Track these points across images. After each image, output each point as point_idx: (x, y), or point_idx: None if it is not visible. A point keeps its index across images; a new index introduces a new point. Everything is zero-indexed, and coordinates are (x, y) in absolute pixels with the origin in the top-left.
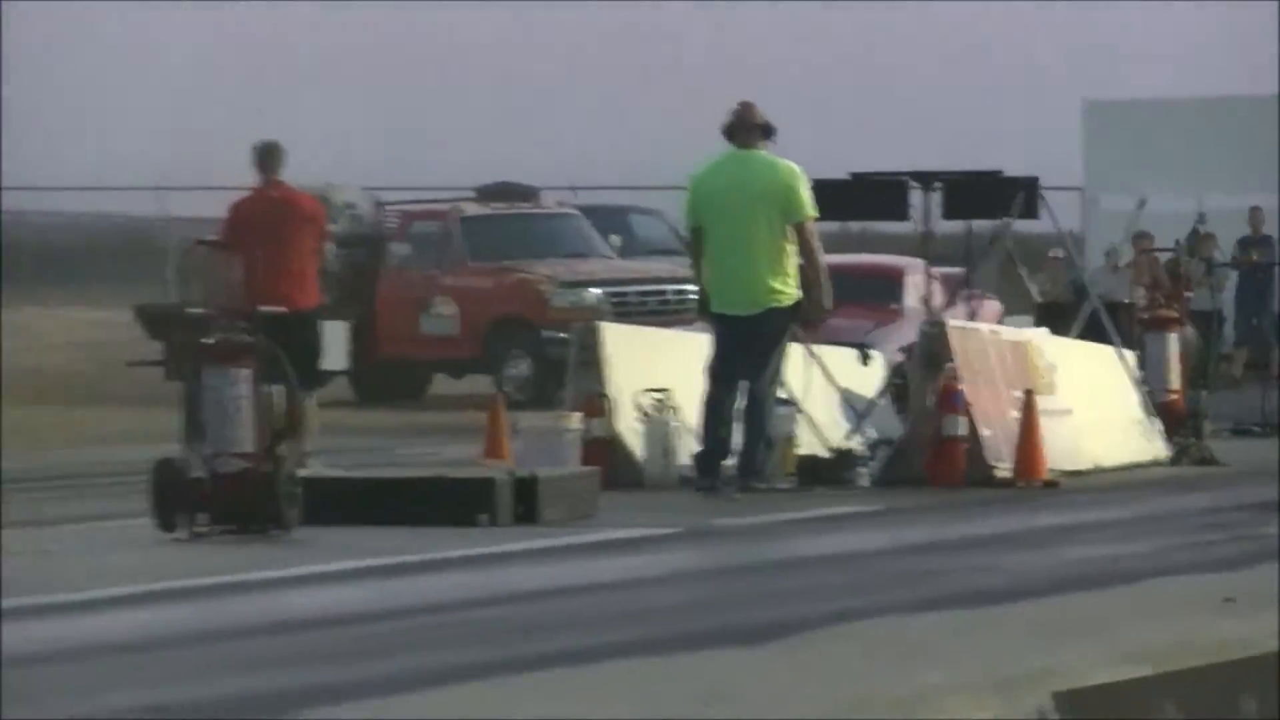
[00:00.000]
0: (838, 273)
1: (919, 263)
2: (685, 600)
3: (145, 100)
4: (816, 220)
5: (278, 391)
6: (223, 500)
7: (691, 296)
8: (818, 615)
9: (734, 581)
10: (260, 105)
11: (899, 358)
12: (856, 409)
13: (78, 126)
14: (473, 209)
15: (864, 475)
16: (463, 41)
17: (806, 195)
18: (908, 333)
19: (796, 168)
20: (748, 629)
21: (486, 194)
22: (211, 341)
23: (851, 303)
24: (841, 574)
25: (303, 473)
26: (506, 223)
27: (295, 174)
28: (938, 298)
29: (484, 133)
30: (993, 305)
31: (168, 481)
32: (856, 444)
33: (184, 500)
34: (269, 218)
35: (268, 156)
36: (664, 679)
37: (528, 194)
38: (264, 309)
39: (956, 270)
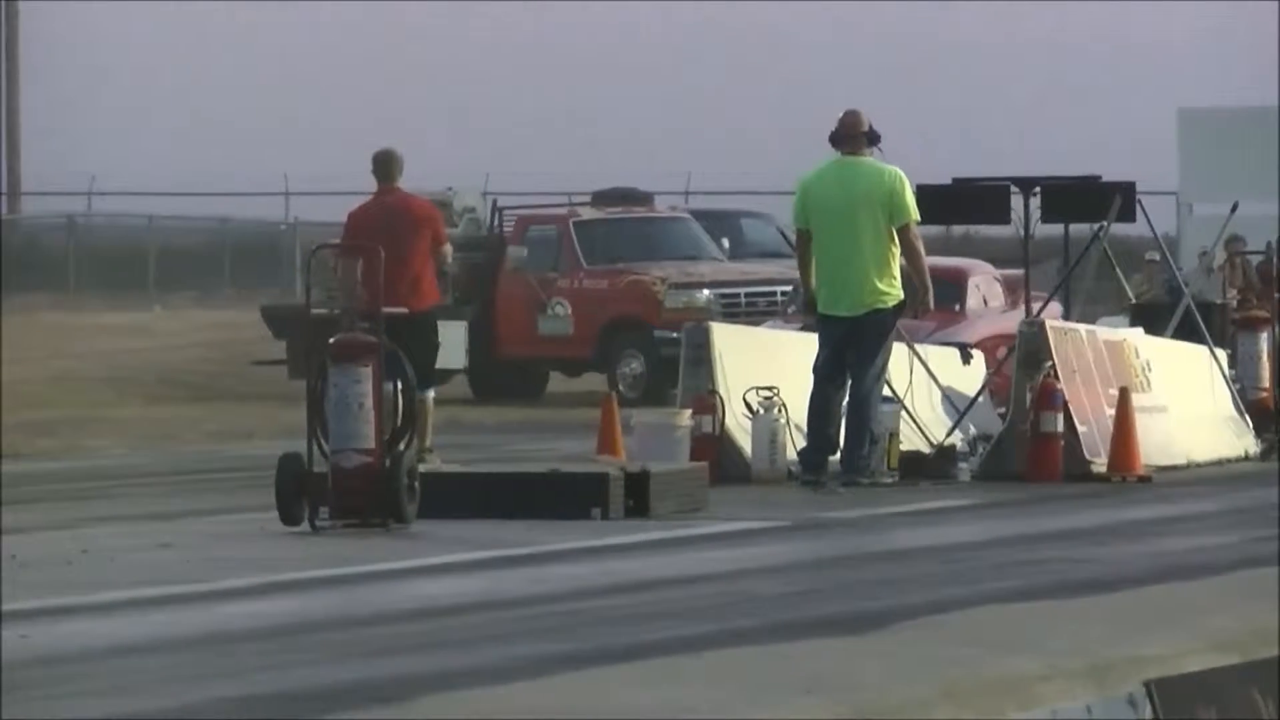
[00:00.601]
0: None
1: (980, 264)
2: (790, 591)
3: (271, 106)
4: (919, 224)
5: (397, 389)
6: (344, 494)
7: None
8: (918, 605)
9: (838, 572)
10: (383, 112)
11: None
12: (957, 406)
13: (206, 132)
14: (588, 213)
15: (964, 470)
16: (581, 49)
17: (910, 199)
18: (969, 334)
19: (900, 173)
20: (850, 618)
21: (602, 199)
22: (335, 341)
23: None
24: (941, 565)
25: (422, 468)
26: (620, 226)
27: (417, 180)
28: (997, 299)
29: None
30: (1051, 307)
31: (291, 476)
32: (957, 440)
33: (306, 494)
34: (385, 223)
35: (384, 164)
36: (769, 667)
37: (641, 199)
38: (387, 309)
39: (1016, 272)
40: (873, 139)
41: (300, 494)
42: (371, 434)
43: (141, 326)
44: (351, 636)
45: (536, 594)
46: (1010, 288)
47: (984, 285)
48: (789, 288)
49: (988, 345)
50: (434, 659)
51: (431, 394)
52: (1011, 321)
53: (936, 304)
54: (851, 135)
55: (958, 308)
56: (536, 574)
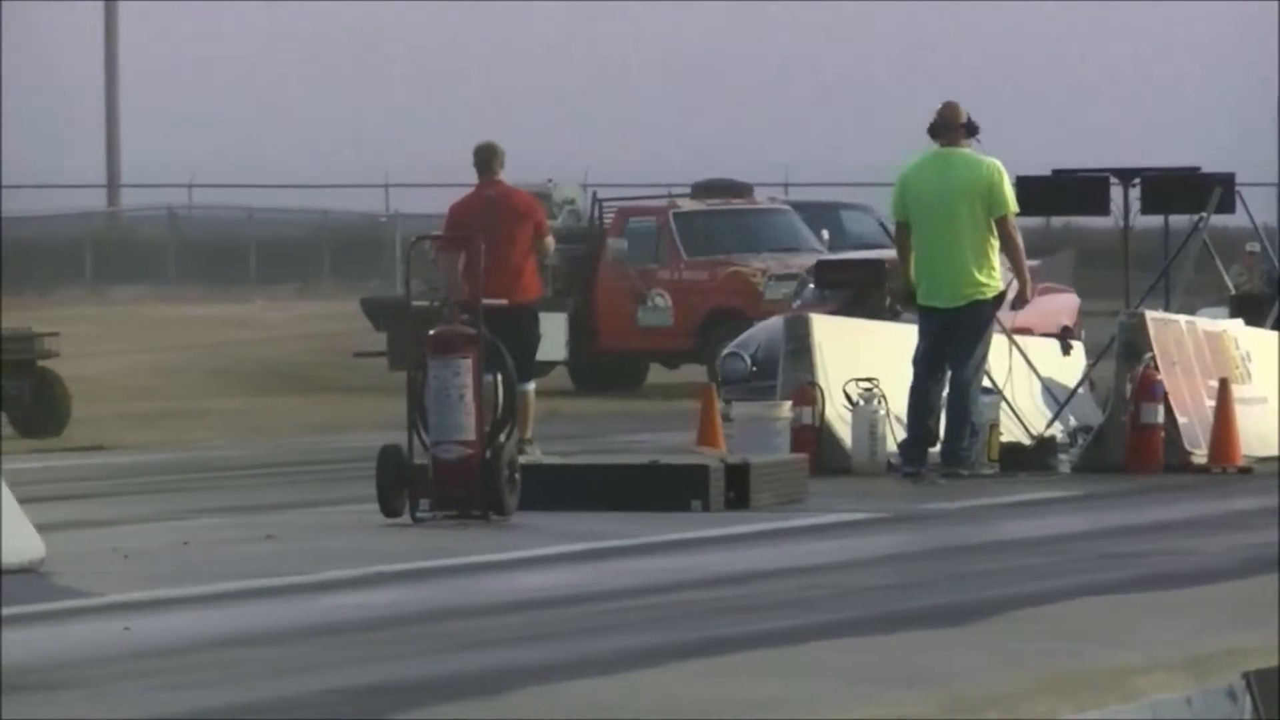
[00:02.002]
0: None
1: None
2: (890, 583)
3: (372, 98)
4: (1018, 215)
5: (497, 381)
6: (444, 486)
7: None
8: (1018, 596)
9: (937, 564)
10: (483, 104)
11: None
12: (1057, 397)
13: (307, 124)
14: (687, 205)
15: (1064, 462)
16: (680, 40)
17: (1008, 191)
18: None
19: (999, 164)
20: (950, 610)
21: (701, 190)
22: (435, 333)
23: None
24: (1041, 557)
25: (522, 459)
26: (720, 218)
27: (517, 173)
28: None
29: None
30: (1068, 299)
31: (391, 468)
32: (1057, 431)
33: (407, 486)
34: (486, 215)
35: (485, 157)
36: (869, 660)
37: (741, 190)
38: (487, 301)
39: (1032, 263)
40: (971, 130)
41: (401, 486)
42: (472, 426)
43: (243, 319)
44: (451, 628)
45: (636, 586)
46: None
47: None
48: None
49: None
50: (534, 651)
51: (532, 386)
52: (1024, 314)
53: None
54: (950, 127)
55: None
56: (636, 566)
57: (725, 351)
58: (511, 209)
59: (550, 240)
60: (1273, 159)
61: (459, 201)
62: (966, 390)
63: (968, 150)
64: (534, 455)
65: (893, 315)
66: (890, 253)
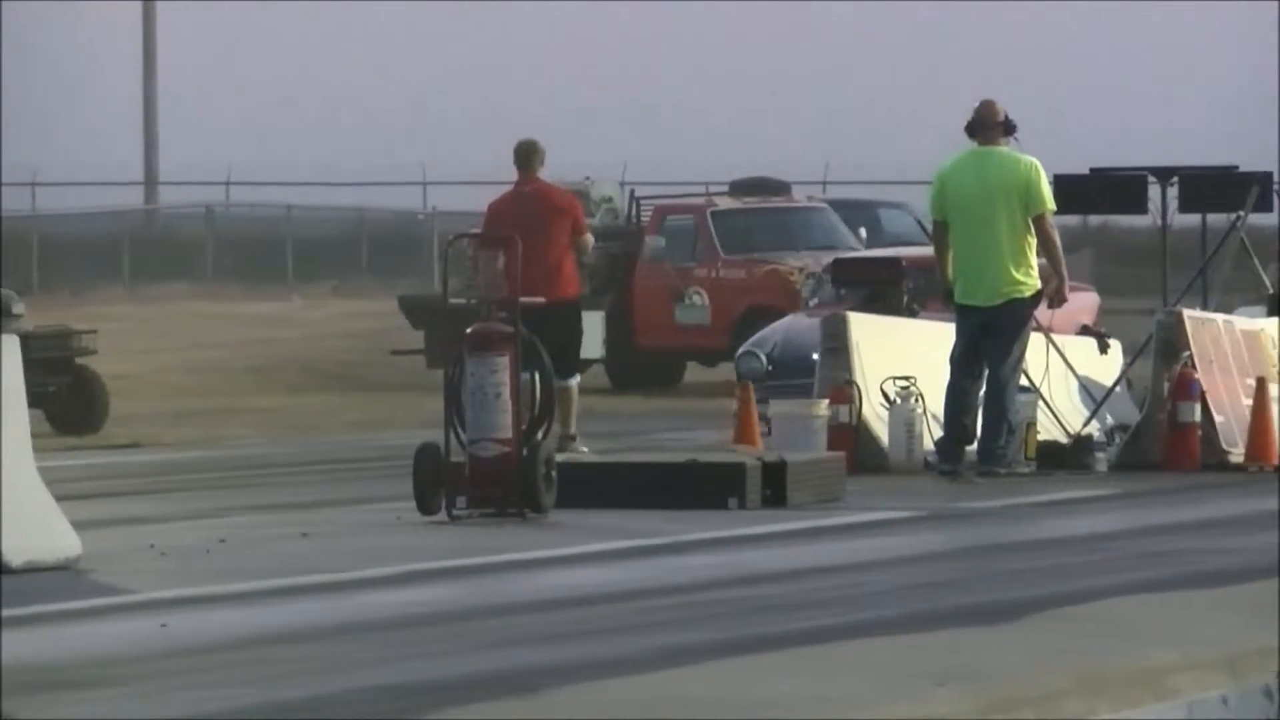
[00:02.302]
0: (931, 266)
1: None
2: (927, 581)
3: (409, 96)
4: (1055, 214)
5: (535, 379)
6: (481, 484)
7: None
8: (1054, 595)
9: (974, 563)
10: (521, 101)
11: None
12: (1094, 396)
13: (344, 121)
14: (725, 203)
15: (1101, 460)
16: (717, 38)
17: (1045, 189)
18: None
19: (1037, 163)
20: (987, 609)
21: (739, 189)
22: (472, 331)
23: (933, 296)
24: (1078, 556)
25: (559, 457)
26: (757, 216)
27: (555, 170)
28: None
29: (738, 129)
30: (1088, 297)
31: (428, 466)
32: (1094, 430)
33: (444, 484)
34: (524, 213)
35: (525, 154)
36: (905, 658)
37: (779, 189)
38: (525, 300)
39: (1040, 262)
40: (1009, 129)
41: (438, 484)
42: (509, 424)
43: (280, 316)
44: (487, 626)
45: (673, 584)
46: (1043, 279)
47: None
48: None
49: None
50: (571, 649)
51: (575, 382)
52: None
53: (930, 296)
54: (987, 125)
55: None
56: (673, 564)
57: (741, 350)
58: (549, 206)
59: (589, 237)
60: None
61: (497, 199)
62: (1004, 389)
63: (1005, 149)
64: (578, 451)
65: (910, 314)
66: (908, 251)
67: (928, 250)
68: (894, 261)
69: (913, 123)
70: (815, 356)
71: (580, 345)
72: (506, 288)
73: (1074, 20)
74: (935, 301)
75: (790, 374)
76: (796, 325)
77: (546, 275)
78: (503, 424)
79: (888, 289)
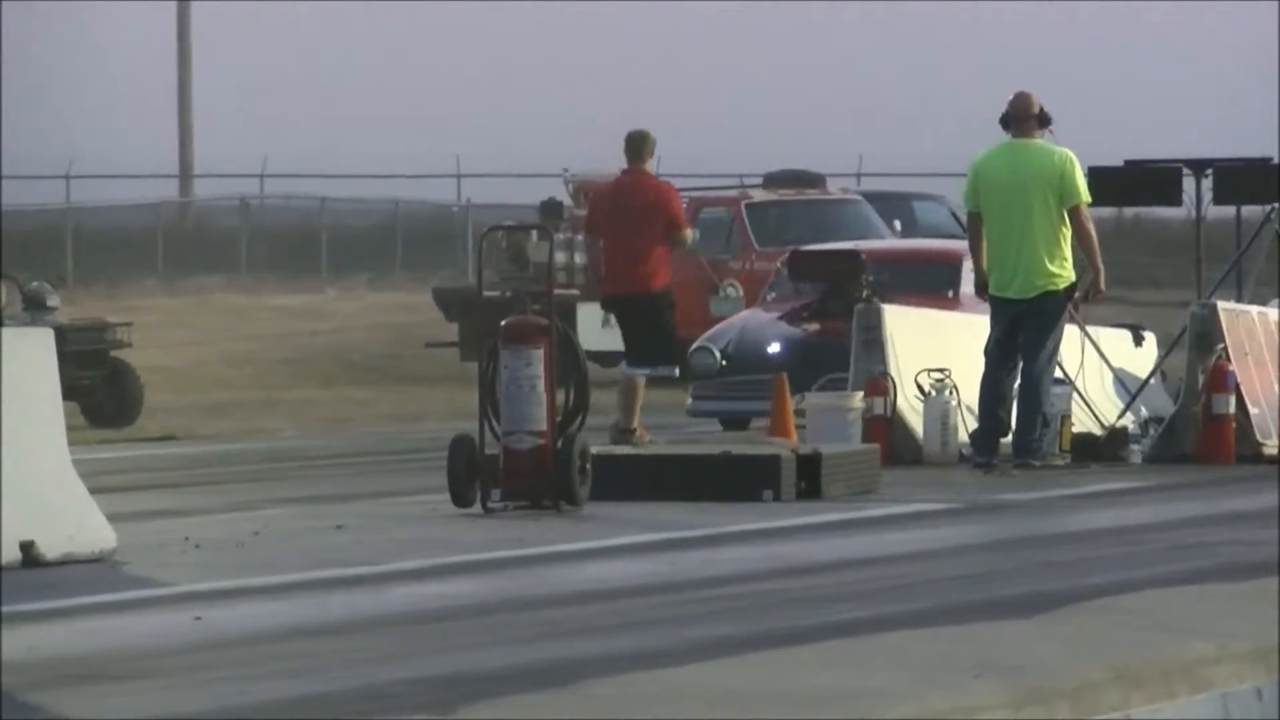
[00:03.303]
0: (891, 259)
1: None
2: (962, 573)
3: (445, 89)
4: (1090, 205)
5: (569, 371)
6: (516, 477)
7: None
8: (1089, 587)
9: (1009, 555)
10: (555, 94)
11: None
12: (1129, 388)
13: (381, 116)
14: (759, 195)
15: (1136, 452)
16: (752, 30)
17: (1080, 181)
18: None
19: (1071, 154)
20: (1022, 601)
21: (773, 181)
22: (507, 323)
23: (904, 291)
24: (1113, 548)
25: (594, 450)
26: (791, 209)
27: (591, 163)
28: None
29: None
30: None
31: (463, 458)
32: (1129, 422)
33: (478, 477)
34: (620, 202)
35: (635, 144)
36: (940, 650)
37: (813, 181)
38: (612, 291)
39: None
40: (1043, 121)
41: (472, 476)
42: (543, 416)
43: (315, 308)
44: (522, 619)
45: (708, 576)
46: None
47: None
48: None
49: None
50: (606, 641)
51: (643, 373)
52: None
53: (927, 289)
54: (1022, 117)
55: (951, 293)
56: (708, 556)
57: (695, 345)
58: (643, 200)
59: (688, 233)
60: None
61: (602, 188)
62: (1038, 382)
63: (1040, 141)
64: (641, 442)
65: None
66: (869, 244)
67: (890, 243)
68: (853, 255)
69: (947, 115)
70: (770, 351)
71: (668, 335)
72: (603, 276)
73: (1108, 11)
74: (895, 295)
75: (744, 369)
76: (753, 321)
77: (634, 266)
78: (537, 416)
79: (847, 283)
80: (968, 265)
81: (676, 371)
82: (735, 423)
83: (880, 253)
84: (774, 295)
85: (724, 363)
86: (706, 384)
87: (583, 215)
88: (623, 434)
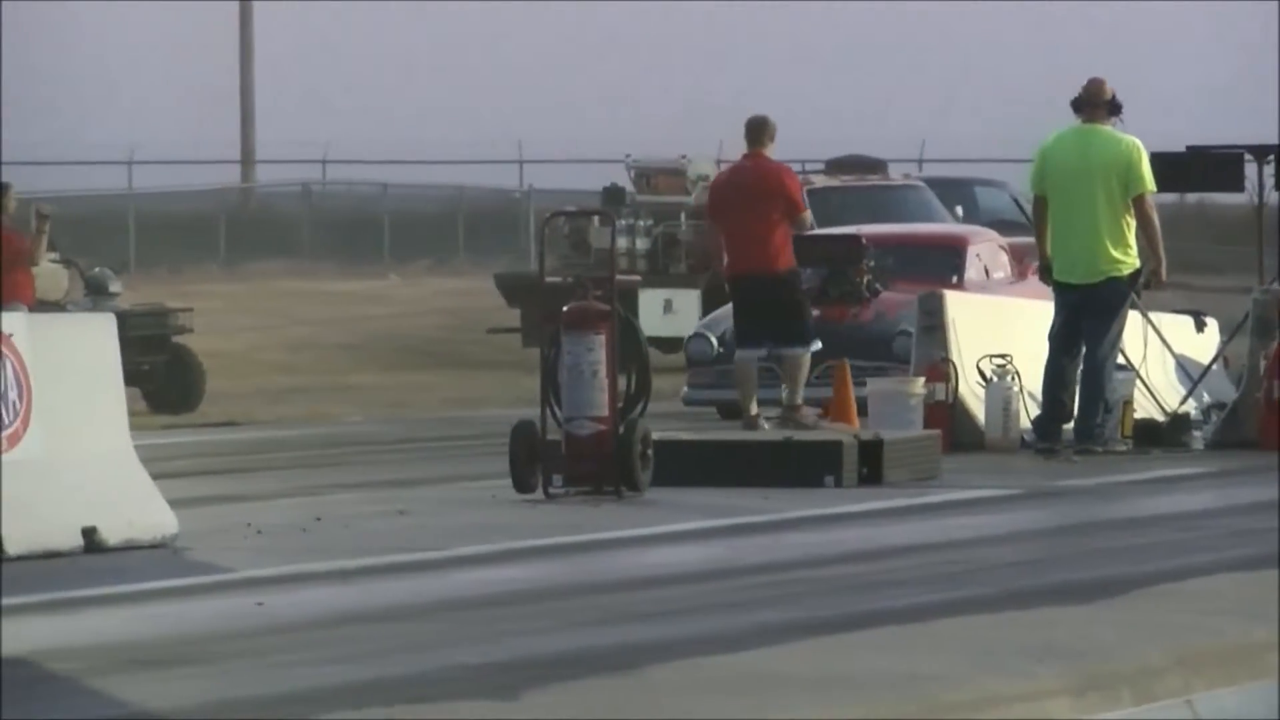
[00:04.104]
0: (894, 244)
1: (984, 231)
2: (1024, 559)
3: (505, 73)
4: (1154, 193)
5: (631, 357)
6: (577, 462)
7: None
8: (1151, 573)
9: (1071, 540)
10: (617, 80)
11: None
12: (1191, 374)
13: (443, 101)
14: (821, 181)
15: (1198, 438)
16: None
17: (1146, 170)
18: None
19: (1138, 143)
20: (1083, 586)
21: (835, 166)
22: (569, 308)
23: (907, 277)
24: (1175, 533)
25: (656, 435)
26: (853, 194)
27: (650, 148)
28: (1002, 270)
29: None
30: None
31: (525, 444)
32: (1191, 408)
33: (540, 462)
34: (741, 187)
35: (755, 130)
36: (1002, 635)
37: (876, 166)
38: (738, 272)
39: (1026, 240)
40: (1114, 109)
41: (534, 462)
42: (605, 402)
43: (377, 294)
44: (585, 604)
45: (770, 561)
46: (1018, 257)
47: (986, 254)
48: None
49: None
50: (667, 626)
51: (805, 350)
52: (1018, 293)
53: (931, 274)
54: (1094, 103)
55: (955, 279)
56: (770, 541)
57: (693, 332)
58: (764, 186)
59: (807, 214)
60: None
61: (721, 171)
62: (1101, 367)
63: (1108, 127)
64: (805, 420)
65: (873, 293)
66: (870, 229)
67: (892, 228)
68: (854, 239)
69: (1010, 100)
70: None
71: (805, 313)
72: (724, 260)
73: None
74: (897, 280)
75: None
76: None
77: (757, 250)
78: (599, 402)
79: (847, 268)
80: (972, 250)
81: (819, 344)
82: (733, 412)
83: (883, 237)
84: None
85: (720, 350)
86: (703, 372)
87: (644, 201)
88: (787, 411)
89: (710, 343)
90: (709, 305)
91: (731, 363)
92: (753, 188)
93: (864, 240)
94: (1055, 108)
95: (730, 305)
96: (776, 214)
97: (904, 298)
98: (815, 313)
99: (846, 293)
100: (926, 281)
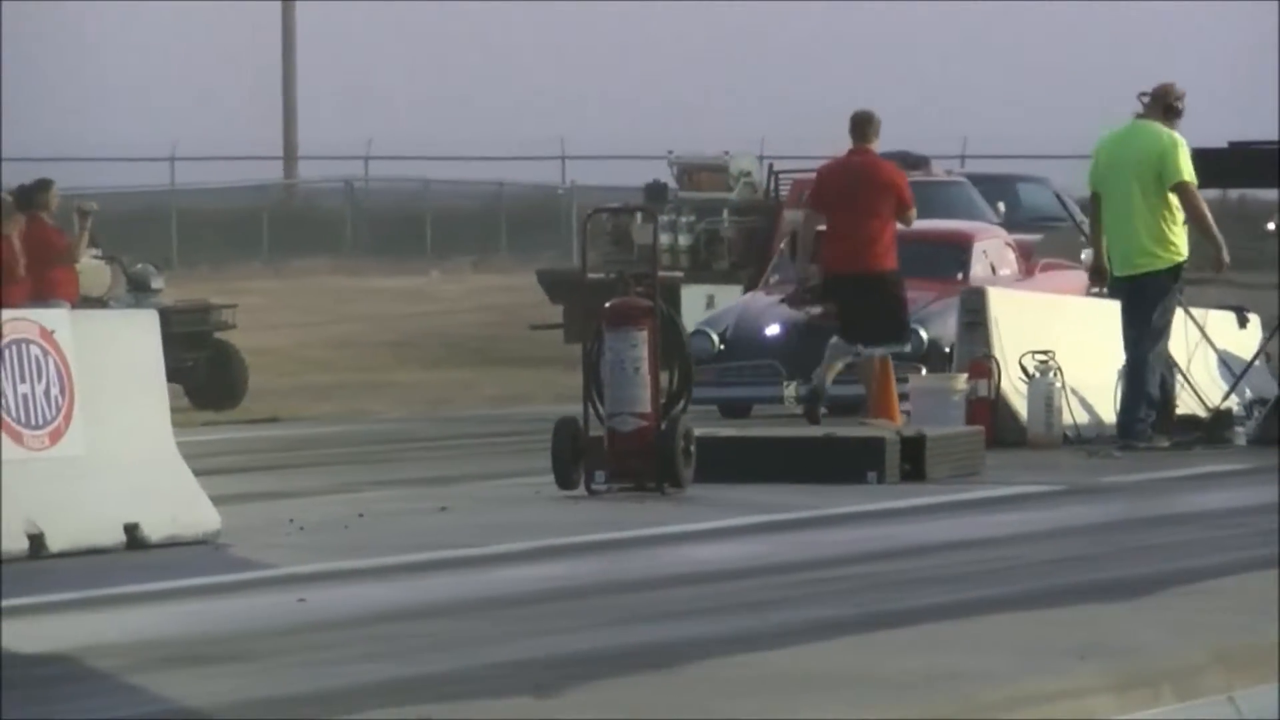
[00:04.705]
0: (902, 239)
1: (990, 228)
2: (1066, 555)
3: (547, 70)
4: (1194, 184)
5: (673, 353)
6: (620, 458)
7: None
8: (1193, 570)
9: (1113, 537)
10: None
11: None
12: (1233, 370)
13: (485, 98)
14: None
15: (1240, 434)
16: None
17: (1182, 160)
18: None
19: (1175, 135)
20: (1125, 583)
21: None
22: (611, 305)
23: (912, 274)
24: (1217, 530)
25: (697, 432)
26: None
27: (690, 144)
28: (1009, 267)
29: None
30: (1076, 275)
31: (567, 440)
32: (1233, 404)
33: (582, 459)
34: (849, 183)
35: (861, 125)
36: (1044, 632)
37: (918, 163)
38: (841, 271)
39: (1032, 237)
40: (1171, 112)
41: (576, 458)
42: (647, 398)
43: (419, 290)
44: (626, 601)
45: (812, 558)
46: (1024, 254)
47: (993, 251)
48: None
49: None
50: (710, 623)
51: (899, 348)
52: (1025, 290)
53: (936, 271)
54: (1154, 102)
55: (960, 276)
56: (812, 538)
57: (693, 329)
58: (874, 181)
59: (913, 213)
60: None
61: (826, 165)
62: (1142, 362)
63: (1153, 123)
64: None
65: None
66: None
67: (919, 223)
68: None
69: (1053, 97)
70: (769, 335)
71: (897, 315)
72: (827, 258)
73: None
74: (904, 277)
75: (742, 354)
76: (753, 305)
77: (862, 247)
78: (642, 398)
79: None
80: (979, 247)
81: (908, 347)
82: (734, 410)
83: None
84: (777, 278)
85: (721, 347)
86: (704, 370)
87: (687, 197)
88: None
89: (711, 340)
90: None
91: (731, 361)
92: (864, 183)
93: None
94: (1100, 104)
95: (730, 303)
96: (889, 211)
97: (909, 294)
98: (817, 310)
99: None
100: (931, 279)
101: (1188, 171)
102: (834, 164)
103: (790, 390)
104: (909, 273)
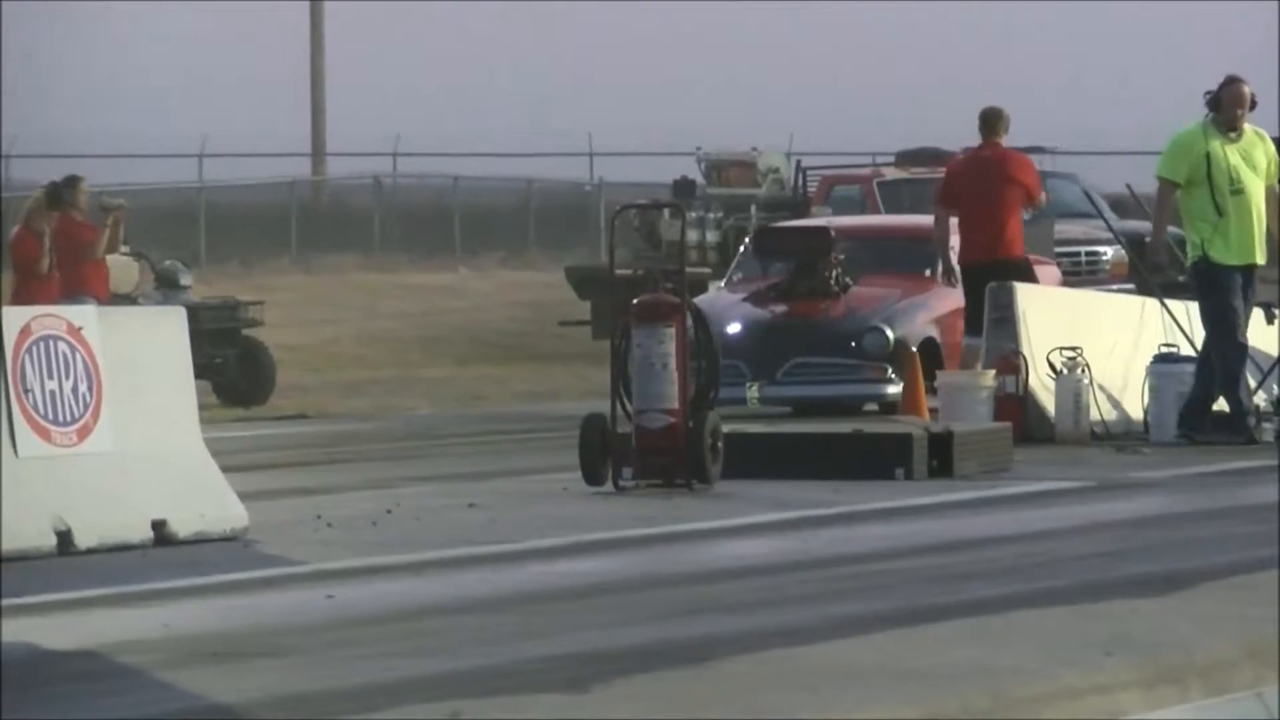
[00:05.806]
0: (869, 236)
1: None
2: (1094, 551)
3: (577, 67)
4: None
5: (701, 349)
6: (648, 455)
7: (1104, 258)
8: (1222, 565)
9: (1142, 532)
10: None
11: (932, 332)
12: (1261, 366)
13: (514, 94)
14: (891, 173)
15: (1267, 430)
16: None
17: (1166, 157)
18: (942, 304)
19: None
20: (1155, 579)
21: (905, 158)
22: (639, 301)
23: (879, 270)
24: (1245, 525)
25: (725, 428)
26: (923, 186)
27: (719, 140)
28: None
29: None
30: (1049, 271)
31: (595, 436)
32: (1260, 400)
33: (610, 455)
34: (977, 176)
35: (989, 120)
36: (1073, 628)
37: (945, 158)
38: (973, 260)
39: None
40: (1212, 105)
41: (604, 454)
42: (675, 394)
43: (448, 287)
44: (655, 596)
45: (839, 554)
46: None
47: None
48: (1094, 248)
49: (951, 321)
50: (737, 619)
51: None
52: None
53: (903, 267)
54: (1221, 101)
55: (929, 273)
56: (839, 534)
57: None
58: (1003, 174)
59: (1042, 199)
60: None
61: (956, 160)
62: (1204, 358)
63: (1257, 127)
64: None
65: (842, 288)
66: (840, 220)
67: (864, 220)
68: (822, 231)
69: (1081, 92)
70: (729, 333)
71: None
72: (961, 247)
73: None
74: (869, 274)
75: (735, 354)
76: (717, 301)
77: (993, 236)
78: (670, 394)
79: (815, 260)
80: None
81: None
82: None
83: (854, 229)
84: (740, 275)
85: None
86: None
87: (715, 193)
88: None
89: None
90: None
91: (692, 361)
92: (995, 175)
93: (832, 232)
94: (1124, 100)
95: (700, 297)
96: (1017, 201)
97: (876, 292)
98: (781, 308)
99: (814, 287)
100: (899, 275)
101: (1164, 168)
102: (964, 160)
103: (753, 391)
104: (875, 269)
